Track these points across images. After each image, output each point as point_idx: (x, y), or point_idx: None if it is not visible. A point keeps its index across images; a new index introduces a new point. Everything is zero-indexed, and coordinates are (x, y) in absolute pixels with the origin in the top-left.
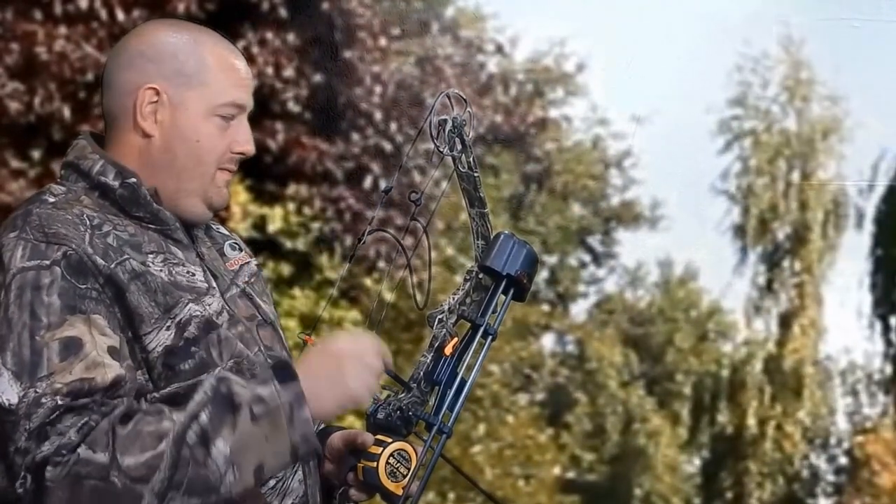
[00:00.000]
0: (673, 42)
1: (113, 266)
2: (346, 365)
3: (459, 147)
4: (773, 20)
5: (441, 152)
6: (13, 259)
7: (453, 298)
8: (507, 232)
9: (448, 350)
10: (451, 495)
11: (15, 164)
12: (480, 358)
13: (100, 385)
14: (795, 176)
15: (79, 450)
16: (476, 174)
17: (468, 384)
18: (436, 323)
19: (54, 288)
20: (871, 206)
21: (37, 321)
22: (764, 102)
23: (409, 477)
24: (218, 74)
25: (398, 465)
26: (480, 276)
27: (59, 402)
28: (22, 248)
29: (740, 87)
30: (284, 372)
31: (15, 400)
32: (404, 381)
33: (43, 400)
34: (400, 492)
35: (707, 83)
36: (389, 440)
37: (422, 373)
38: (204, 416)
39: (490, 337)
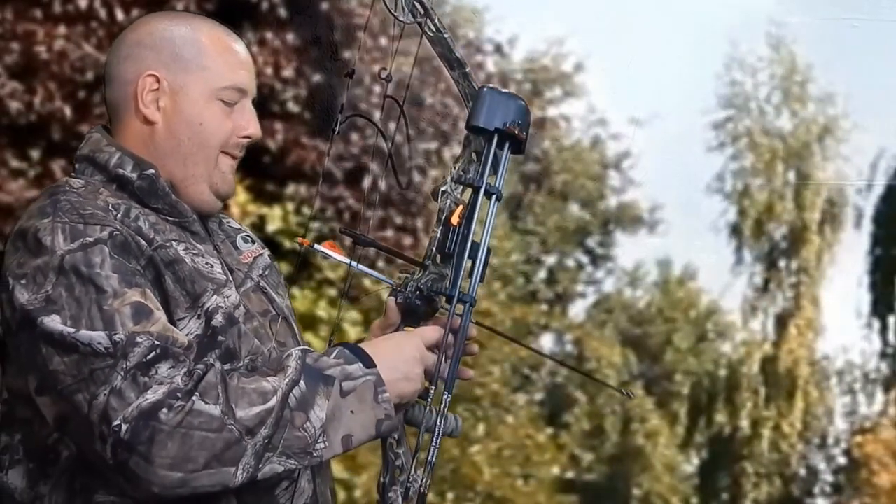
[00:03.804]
0: (672, 43)
1: (153, 249)
2: (415, 369)
3: (422, 11)
4: (774, 21)
5: (403, 22)
6: (56, 242)
7: (455, 168)
8: (489, 86)
9: (455, 219)
10: (450, 495)
11: (15, 163)
12: (489, 220)
13: (180, 341)
14: (791, 176)
15: (193, 397)
16: (446, 35)
17: (481, 248)
18: (440, 196)
19: (106, 265)
20: (869, 206)
21: (102, 293)
22: (763, 104)
23: (439, 357)
24: (217, 58)
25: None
26: (479, 139)
27: (156, 343)
28: (61, 230)
29: (739, 88)
30: (367, 357)
31: (108, 343)
32: (418, 262)
33: (138, 339)
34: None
35: (707, 84)
36: (413, 328)
37: (434, 249)
38: (303, 384)
39: (494, 197)
